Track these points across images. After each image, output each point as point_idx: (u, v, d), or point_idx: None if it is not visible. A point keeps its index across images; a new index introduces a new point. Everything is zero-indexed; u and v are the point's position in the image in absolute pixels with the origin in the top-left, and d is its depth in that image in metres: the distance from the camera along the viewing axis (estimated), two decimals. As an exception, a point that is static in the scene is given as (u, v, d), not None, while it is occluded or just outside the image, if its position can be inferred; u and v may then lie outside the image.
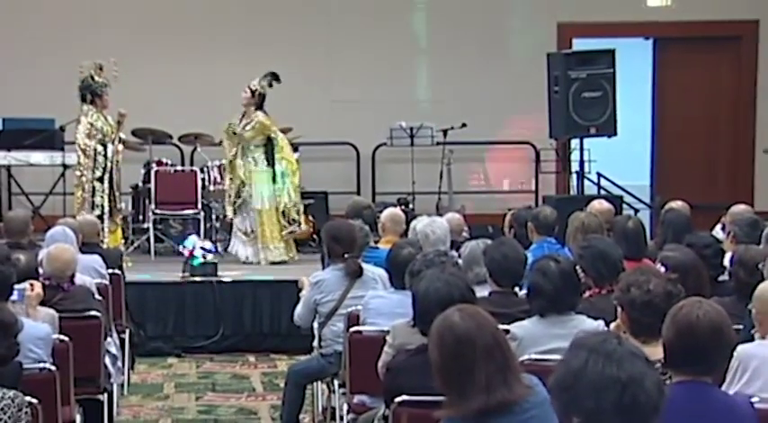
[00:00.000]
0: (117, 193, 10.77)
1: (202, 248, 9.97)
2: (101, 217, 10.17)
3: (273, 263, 10.87)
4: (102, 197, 10.60)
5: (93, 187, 10.60)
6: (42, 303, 5.93)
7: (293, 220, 11.02)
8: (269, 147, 11.00)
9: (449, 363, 3.72)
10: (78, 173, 10.71)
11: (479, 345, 3.69)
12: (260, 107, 10.94)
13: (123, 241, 11.32)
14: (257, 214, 10.98)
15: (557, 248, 7.45)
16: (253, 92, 10.89)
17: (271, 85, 10.98)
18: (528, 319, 5.33)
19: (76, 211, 10.33)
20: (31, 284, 5.91)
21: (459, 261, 6.59)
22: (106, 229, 10.26)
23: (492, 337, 3.74)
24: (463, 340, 3.70)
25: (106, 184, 10.62)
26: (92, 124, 10.53)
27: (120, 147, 10.80)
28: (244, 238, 11.05)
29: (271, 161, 10.99)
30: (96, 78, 10.62)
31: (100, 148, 10.58)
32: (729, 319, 4.03)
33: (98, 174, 10.60)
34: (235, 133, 10.95)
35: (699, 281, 5.64)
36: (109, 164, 10.62)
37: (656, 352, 4.23)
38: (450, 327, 3.82)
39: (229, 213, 11.14)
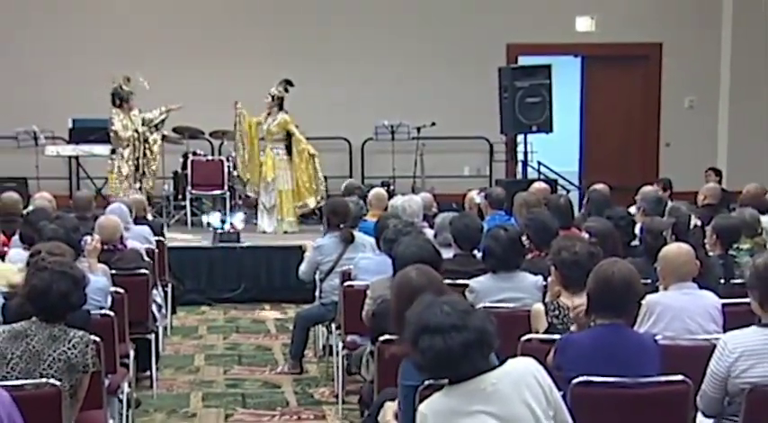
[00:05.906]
0: (148, 174, 10.79)
1: (222, 220, 10.11)
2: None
3: (286, 232, 10.87)
4: (137, 178, 10.66)
5: (131, 171, 10.64)
6: (102, 263, 5.93)
7: (305, 203, 11.04)
8: (288, 141, 10.96)
9: (404, 308, 3.73)
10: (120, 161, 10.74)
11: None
12: (281, 107, 10.91)
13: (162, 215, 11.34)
14: (278, 194, 10.94)
15: (506, 220, 7.47)
16: (273, 97, 10.85)
17: (287, 90, 10.95)
18: (483, 276, 5.36)
19: (124, 191, 10.36)
20: (92, 237, 5.89)
21: (426, 231, 6.64)
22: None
23: (438, 290, 3.76)
24: (417, 291, 3.72)
25: (140, 169, 10.68)
26: (121, 124, 10.54)
27: (158, 136, 10.82)
28: (264, 211, 11.04)
29: (290, 152, 10.96)
30: (123, 87, 10.58)
31: (129, 141, 10.61)
32: (639, 275, 4.07)
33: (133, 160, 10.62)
34: (259, 123, 10.90)
35: (614, 244, 5.69)
36: (137, 152, 10.62)
37: (582, 300, 4.29)
38: (408, 281, 3.87)
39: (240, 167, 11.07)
